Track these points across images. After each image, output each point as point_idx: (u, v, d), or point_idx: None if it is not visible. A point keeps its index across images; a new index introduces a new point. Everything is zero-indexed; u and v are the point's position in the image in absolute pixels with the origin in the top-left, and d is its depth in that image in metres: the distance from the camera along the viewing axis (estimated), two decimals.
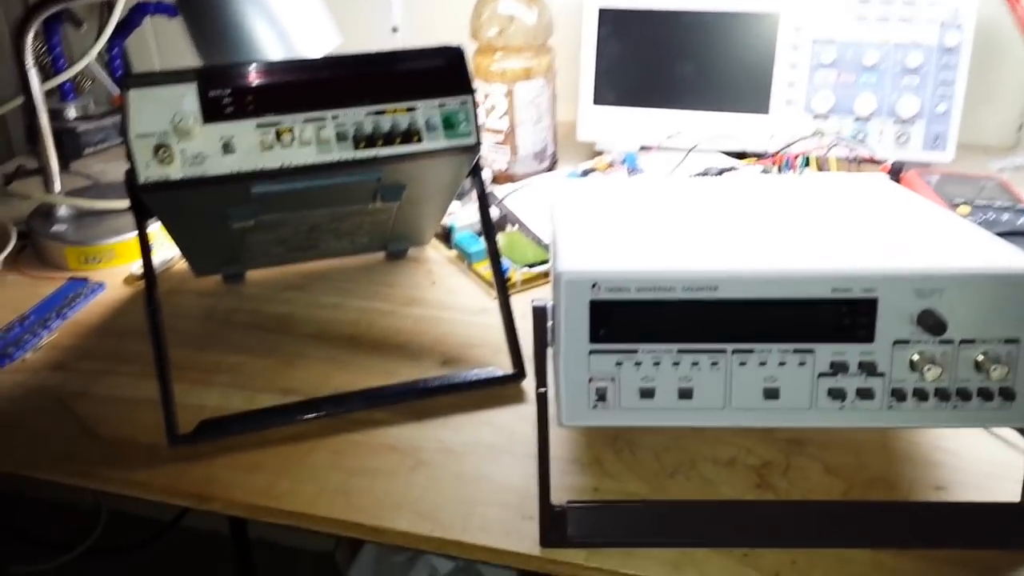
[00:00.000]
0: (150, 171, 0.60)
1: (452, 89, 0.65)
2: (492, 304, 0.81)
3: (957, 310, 0.50)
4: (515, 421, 0.67)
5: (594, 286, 0.51)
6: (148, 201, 0.63)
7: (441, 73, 0.65)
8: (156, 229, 0.73)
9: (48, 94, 0.94)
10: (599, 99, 1.08)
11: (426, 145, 0.65)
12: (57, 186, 0.95)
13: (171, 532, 1.64)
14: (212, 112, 0.61)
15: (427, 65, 0.65)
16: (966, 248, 0.54)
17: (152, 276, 0.67)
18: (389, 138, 0.64)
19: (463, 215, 0.92)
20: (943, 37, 0.98)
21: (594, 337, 0.52)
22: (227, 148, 0.61)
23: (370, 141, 0.63)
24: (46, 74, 1.14)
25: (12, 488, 1.67)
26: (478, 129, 0.66)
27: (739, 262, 0.52)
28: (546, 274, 0.85)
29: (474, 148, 0.66)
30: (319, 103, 0.62)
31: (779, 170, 0.96)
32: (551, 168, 1.09)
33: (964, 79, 0.98)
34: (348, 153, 0.63)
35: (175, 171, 0.60)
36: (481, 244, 0.87)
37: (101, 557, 1.65)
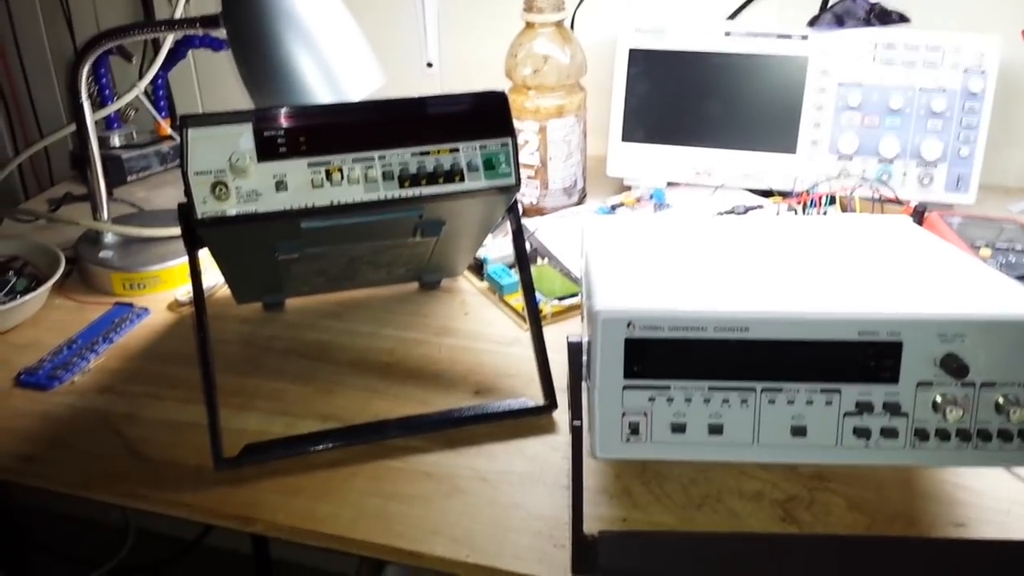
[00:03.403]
0: (207, 207, 0.63)
1: (494, 132, 0.68)
2: (523, 335, 0.84)
3: (979, 354, 0.52)
4: (547, 451, 0.69)
5: (629, 324, 0.53)
6: (203, 234, 0.67)
7: (483, 116, 0.68)
8: (201, 256, 0.76)
9: (94, 123, 0.97)
10: (628, 136, 1.10)
11: (467, 185, 0.68)
12: (105, 213, 0.98)
13: (195, 550, 1.66)
14: (266, 151, 0.64)
15: (470, 109, 0.68)
16: (988, 294, 0.56)
17: (202, 304, 0.70)
18: (432, 177, 0.67)
19: (495, 248, 0.95)
20: (967, 82, 1.00)
21: (628, 373, 0.54)
22: (280, 186, 0.64)
23: (414, 180, 0.66)
24: (93, 104, 1.18)
25: (42, 504, 1.71)
26: (518, 170, 0.69)
27: (769, 304, 0.54)
28: (575, 307, 0.87)
29: (513, 188, 0.69)
30: (367, 144, 0.65)
31: (804, 209, 0.98)
32: (580, 202, 1.11)
33: (987, 123, 1.00)
34: (393, 191, 0.66)
35: (230, 207, 0.63)
36: (512, 277, 0.89)
37: (128, 574, 1.68)
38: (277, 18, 0.82)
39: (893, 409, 0.53)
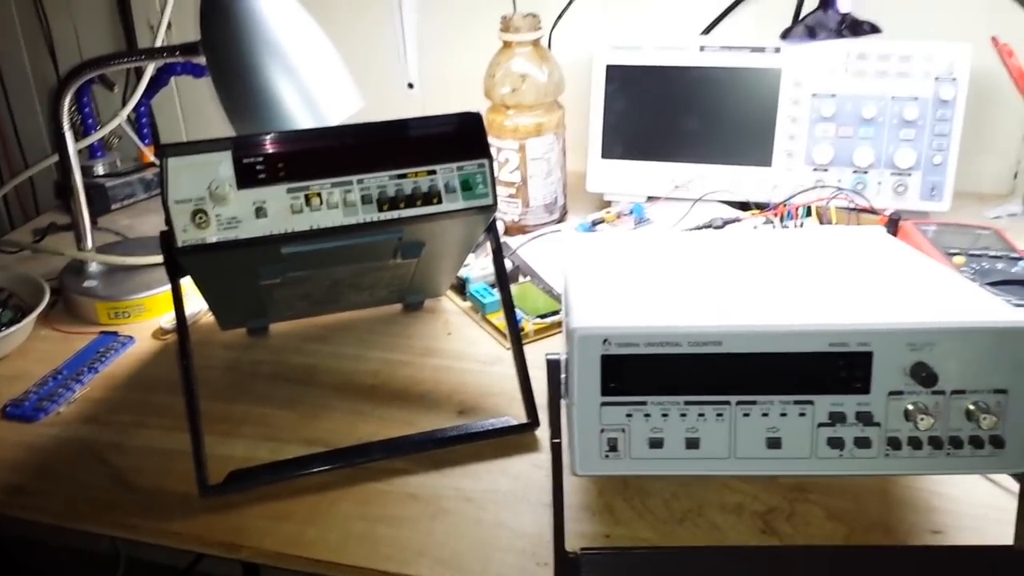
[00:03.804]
0: (188, 235, 0.64)
1: (470, 153, 0.69)
2: (506, 354, 0.85)
3: (948, 362, 0.53)
4: (530, 469, 0.70)
5: (605, 342, 0.54)
6: (184, 262, 0.67)
7: (460, 138, 0.69)
8: (184, 283, 0.76)
9: (78, 151, 0.98)
10: (607, 153, 1.11)
11: (445, 206, 0.68)
12: (89, 243, 0.99)
13: None
14: (246, 178, 0.64)
15: (447, 131, 0.69)
16: (957, 302, 0.57)
17: (185, 331, 0.70)
18: (411, 200, 0.68)
19: (477, 267, 0.95)
20: (939, 90, 1.01)
21: (605, 390, 0.55)
22: (259, 212, 0.65)
23: (393, 203, 0.67)
24: (77, 133, 1.18)
25: (33, 535, 1.70)
26: (495, 190, 0.70)
27: (741, 318, 0.55)
28: (558, 324, 0.88)
29: (490, 208, 0.70)
30: (346, 169, 0.66)
31: (781, 221, 0.99)
32: (561, 219, 1.12)
33: (959, 130, 1.01)
34: (372, 215, 0.67)
35: (211, 234, 0.64)
36: (494, 295, 0.90)
37: None
38: (256, 45, 0.83)
39: (865, 419, 0.54)
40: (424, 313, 0.94)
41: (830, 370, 0.53)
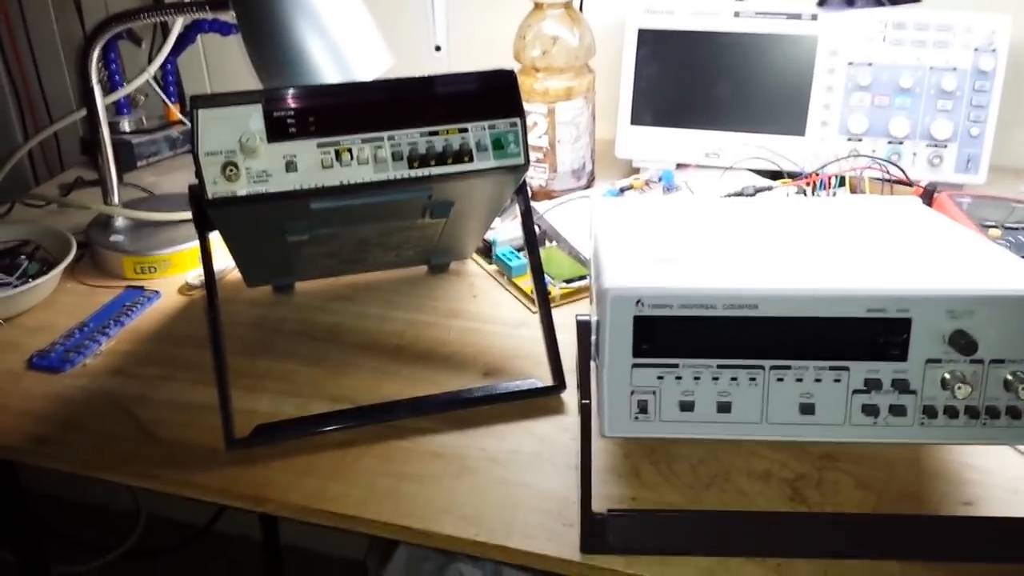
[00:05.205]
0: (218, 187, 0.63)
1: (502, 111, 0.68)
2: (532, 317, 0.84)
3: (988, 331, 0.52)
4: (555, 431, 0.70)
5: (638, 302, 0.54)
6: (213, 215, 0.67)
7: (492, 96, 0.68)
8: (211, 239, 0.76)
9: (104, 107, 0.98)
10: (636, 119, 1.10)
11: (476, 165, 0.68)
12: (116, 198, 0.99)
13: (205, 536, 1.67)
14: (276, 132, 0.64)
15: (479, 88, 0.68)
16: (997, 271, 0.56)
17: (213, 285, 0.70)
18: (441, 158, 0.67)
19: (504, 230, 0.95)
20: (977, 61, 0.99)
21: (637, 351, 0.55)
22: (290, 166, 0.64)
23: (423, 161, 0.67)
24: (104, 89, 1.18)
25: (54, 491, 1.72)
26: (527, 149, 0.69)
27: (778, 281, 0.54)
28: (584, 289, 0.88)
29: (522, 168, 0.69)
30: (377, 124, 0.66)
31: (814, 190, 0.98)
32: (589, 185, 1.11)
33: (997, 102, 0.99)
34: (403, 172, 0.66)
35: (241, 187, 0.63)
36: (521, 259, 0.90)
37: (138, 559, 1.70)
38: (285, 0, 0.82)
39: (902, 386, 0.53)
40: (450, 275, 0.94)
41: (867, 336, 0.53)
